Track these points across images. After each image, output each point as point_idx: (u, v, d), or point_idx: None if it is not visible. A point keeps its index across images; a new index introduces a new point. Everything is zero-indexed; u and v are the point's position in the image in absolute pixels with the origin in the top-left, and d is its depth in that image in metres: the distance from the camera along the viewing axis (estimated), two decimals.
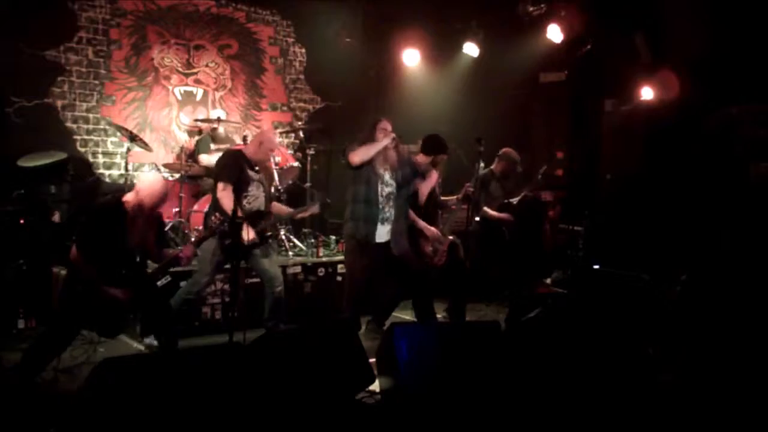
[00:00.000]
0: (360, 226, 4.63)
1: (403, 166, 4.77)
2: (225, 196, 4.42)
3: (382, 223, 4.68)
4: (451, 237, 5.16)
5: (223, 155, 4.83)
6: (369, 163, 4.62)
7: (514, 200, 5.97)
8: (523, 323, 4.59)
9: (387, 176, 4.71)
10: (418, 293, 4.92)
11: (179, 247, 4.57)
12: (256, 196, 4.63)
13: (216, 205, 4.51)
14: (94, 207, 4.32)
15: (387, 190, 4.70)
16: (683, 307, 4.76)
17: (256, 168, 4.68)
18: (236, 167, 4.55)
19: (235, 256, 4.20)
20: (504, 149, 6.00)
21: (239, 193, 4.47)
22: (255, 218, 4.47)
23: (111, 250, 3.75)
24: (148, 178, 3.97)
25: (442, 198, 5.29)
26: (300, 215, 5.05)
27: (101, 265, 3.72)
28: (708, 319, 4.45)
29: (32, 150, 5.80)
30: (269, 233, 4.71)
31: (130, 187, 4.69)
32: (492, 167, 5.99)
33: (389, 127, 4.67)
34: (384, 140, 4.59)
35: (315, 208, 4.91)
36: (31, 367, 3.70)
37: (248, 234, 4.33)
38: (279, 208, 4.91)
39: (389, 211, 4.72)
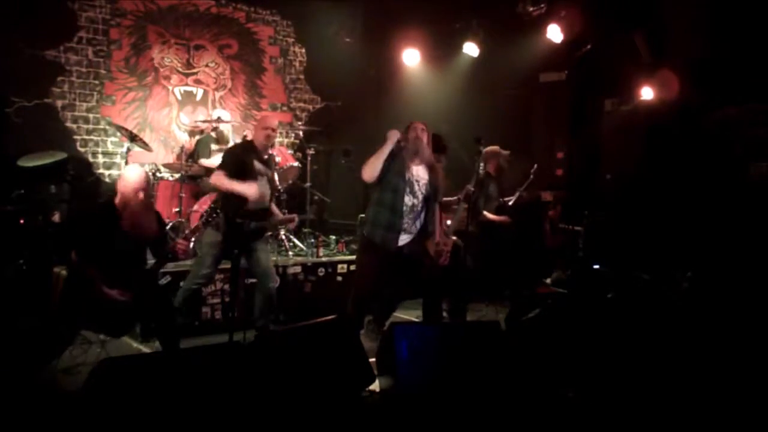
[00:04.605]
0: (378, 233, 4.43)
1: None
2: (217, 177, 4.33)
3: (403, 233, 4.48)
4: (453, 237, 5.14)
5: (231, 147, 4.72)
6: (397, 169, 4.37)
7: (510, 201, 5.95)
8: (523, 323, 4.58)
9: (417, 186, 4.43)
10: (429, 293, 4.87)
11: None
12: (262, 194, 4.47)
13: (223, 201, 4.41)
14: (88, 210, 4.32)
15: (413, 201, 4.44)
16: (690, 305, 4.75)
17: (266, 157, 4.55)
18: (239, 158, 4.44)
19: (234, 246, 4.17)
20: (486, 149, 5.86)
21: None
22: (256, 216, 4.42)
23: (108, 250, 3.76)
24: (123, 173, 4.00)
25: (444, 199, 5.26)
26: (278, 224, 4.98)
27: (101, 266, 3.72)
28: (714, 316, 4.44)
29: (32, 150, 5.80)
30: (269, 232, 4.65)
31: None
32: (486, 169, 5.95)
33: (420, 127, 4.42)
34: (387, 145, 4.29)
35: (293, 224, 4.81)
36: (31, 367, 3.70)
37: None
38: (272, 209, 4.81)
39: (411, 223, 4.48)
